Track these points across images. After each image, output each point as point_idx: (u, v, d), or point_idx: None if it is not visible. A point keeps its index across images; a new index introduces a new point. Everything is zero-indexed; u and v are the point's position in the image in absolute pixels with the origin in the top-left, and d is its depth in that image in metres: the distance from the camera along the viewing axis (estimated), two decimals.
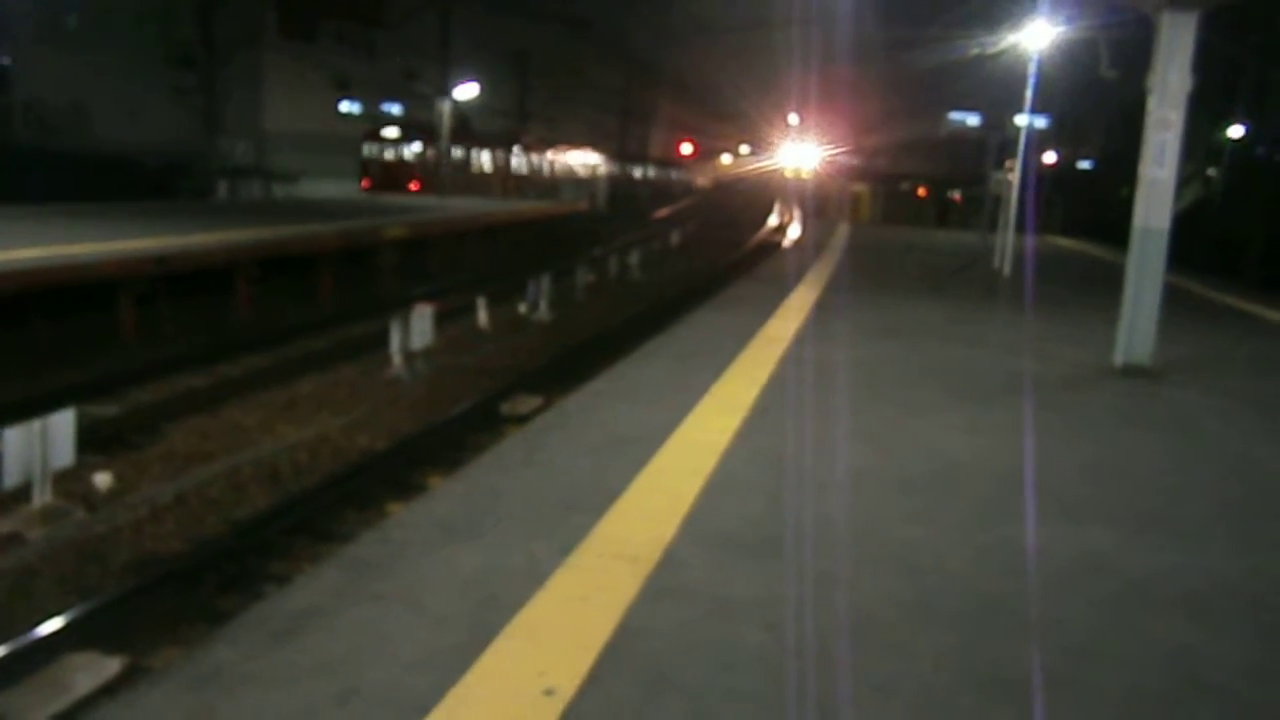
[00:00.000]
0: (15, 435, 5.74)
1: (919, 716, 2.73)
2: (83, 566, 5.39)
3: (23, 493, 5.87)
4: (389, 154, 29.17)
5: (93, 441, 7.04)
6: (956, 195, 39.19)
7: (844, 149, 39.95)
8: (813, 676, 2.87)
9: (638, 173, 51.28)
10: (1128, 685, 2.96)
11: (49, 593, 5.08)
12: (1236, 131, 27.09)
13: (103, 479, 6.53)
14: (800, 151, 37.69)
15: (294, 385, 9.55)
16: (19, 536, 5.66)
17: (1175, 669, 3.08)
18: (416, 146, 29.12)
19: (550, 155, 37.00)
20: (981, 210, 21.49)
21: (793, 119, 38.48)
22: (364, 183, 28.63)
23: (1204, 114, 20.84)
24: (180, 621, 4.84)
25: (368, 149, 28.97)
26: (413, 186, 28.54)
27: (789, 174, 39.38)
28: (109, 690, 4.03)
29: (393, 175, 28.55)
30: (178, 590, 5.06)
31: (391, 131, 29.05)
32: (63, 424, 5.99)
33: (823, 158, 39.25)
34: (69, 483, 6.29)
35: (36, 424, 5.82)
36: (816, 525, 4.05)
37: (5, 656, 4.22)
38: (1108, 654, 3.14)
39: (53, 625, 4.49)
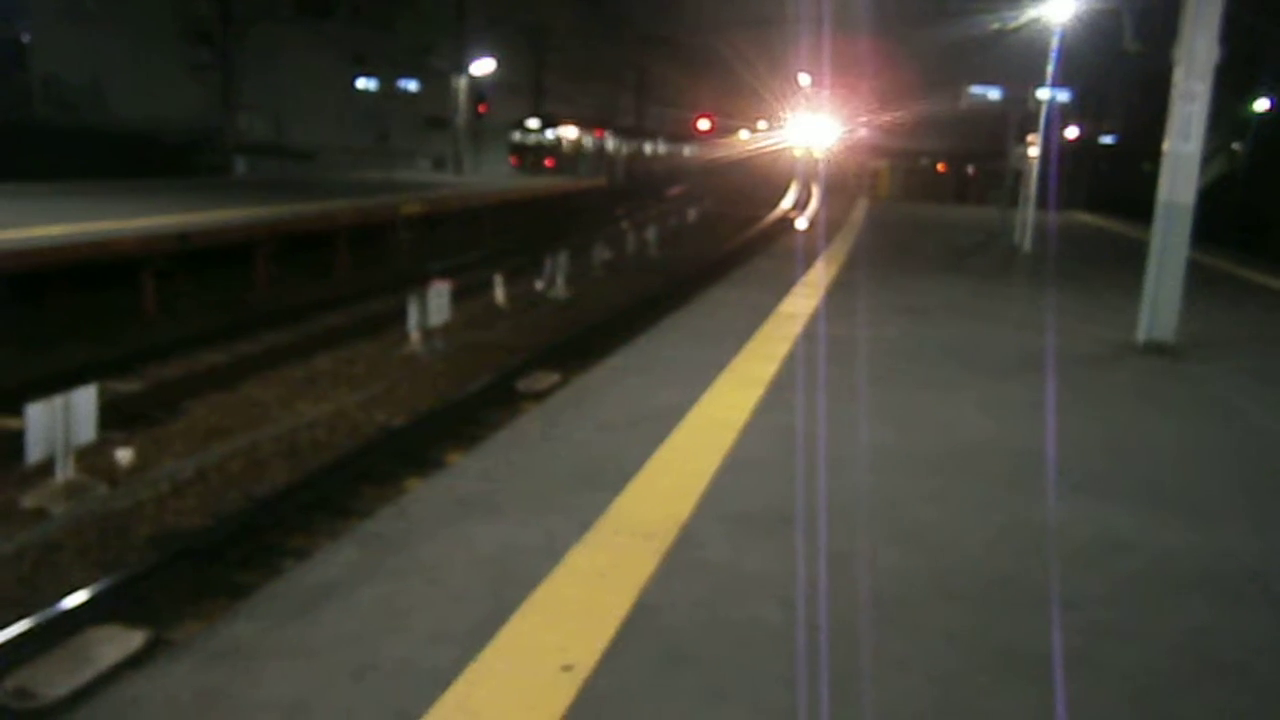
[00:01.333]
0: (39, 411, 5.79)
1: (935, 693, 2.73)
2: (105, 541, 5.45)
3: (46, 468, 5.93)
4: (531, 139, 36.98)
5: (114, 417, 7.10)
6: (971, 170, 38.95)
7: (862, 125, 39.57)
8: (828, 653, 2.87)
9: (654, 149, 51.33)
10: (1144, 663, 2.94)
11: (73, 567, 5.14)
12: (1262, 105, 26.66)
13: (124, 454, 6.59)
14: (816, 127, 37.15)
15: (313, 361, 9.60)
16: (43, 511, 5.73)
17: (1192, 648, 3.06)
18: (550, 134, 37.00)
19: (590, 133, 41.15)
20: (1002, 185, 21.26)
21: (804, 80, 37.76)
22: (513, 160, 36.49)
23: (1230, 87, 20.51)
24: (201, 596, 4.89)
25: (517, 136, 36.62)
26: (548, 163, 35.93)
27: (801, 153, 38.79)
28: (132, 663, 4.08)
29: (534, 155, 36.28)
30: (198, 565, 5.11)
31: (534, 123, 36.82)
32: (85, 400, 6.04)
33: (840, 134, 38.81)
34: (91, 458, 6.35)
35: (59, 400, 5.87)
36: (833, 503, 4.04)
37: (31, 629, 4.28)
38: (1125, 632, 3.12)
39: (77, 599, 4.54)
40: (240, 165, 26.97)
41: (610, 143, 43.63)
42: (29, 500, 5.80)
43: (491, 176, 29.54)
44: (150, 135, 25.02)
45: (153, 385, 8.51)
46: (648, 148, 50.19)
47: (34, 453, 5.79)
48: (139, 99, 26.94)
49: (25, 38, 29.21)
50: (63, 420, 5.89)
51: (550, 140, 37.05)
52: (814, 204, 31.01)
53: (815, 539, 3.67)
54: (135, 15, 27.45)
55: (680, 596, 3.17)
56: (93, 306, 10.58)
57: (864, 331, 7.94)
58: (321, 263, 14.76)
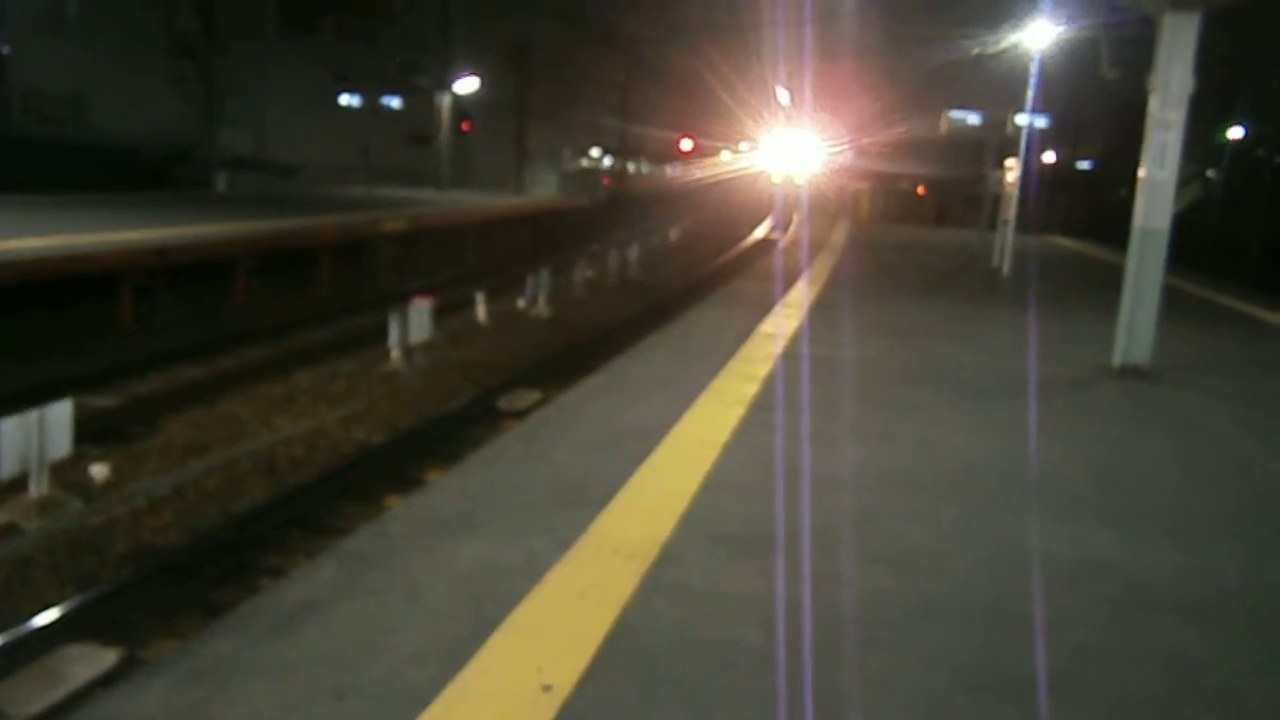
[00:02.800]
0: (12, 426, 5.73)
1: (916, 714, 2.73)
2: (79, 558, 5.39)
3: (20, 483, 5.85)
4: (591, 164, 47.85)
5: (90, 432, 7.03)
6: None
7: (844, 148, 39.81)
8: (809, 674, 2.87)
9: (636, 168, 52.60)
10: (1127, 685, 2.96)
11: (46, 583, 5.08)
12: (1236, 133, 27.09)
13: (100, 470, 6.52)
14: (797, 151, 36.85)
15: (292, 378, 9.54)
16: (16, 527, 5.66)
17: (1175, 669, 3.08)
18: (607, 161, 47.98)
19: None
20: (981, 209, 21.50)
21: (783, 96, 37.37)
22: None
23: (1204, 115, 20.85)
24: (177, 614, 4.84)
25: (585, 162, 47.52)
26: (605, 182, 45.90)
27: (780, 179, 38.12)
28: (106, 682, 4.03)
29: (593, 176, 46.49)
30: (174, 582, 5.06)
31: (595, 151, 47.90)
32: (60, 414, 5.98)
33: (822, 159, 38.79)
34: (66, 474, 6.28)
35: (34, 414, 5.81)
36: (815, 523, 4.05)
37: (1, 647, 4.22)
38: (1108, 654, 3.14)
39: (49, 616, 4.48)
40: (222, 180, 26.84)
41: (593, 162, 44.86)
42: (2, 516, 5.73)
43: (476, 194, 29.54)
44: (131, 149, 24.89)
45: (129, 400, 8.44)
46: (630, 167, 51.11)
47: (7, 468, 5.73)
48: (121, 112, 26.82)
49: (4, 50, 29.04)
50: (37, 435, 5.83)
51: (607, 165, 48.21)
52: (795, 226, 31.20)
53: (796, 559, 3.67)
54: (117, 28, 27.37)
55: (661, 617, 3.17)
56: (69, 320, 10.48)
57: (845, 353, 7.98)
58: (302, 279, 14.70)
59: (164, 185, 24.39)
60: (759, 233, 31.88)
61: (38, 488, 5.88)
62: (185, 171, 26.24)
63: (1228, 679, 3.05)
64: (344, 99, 36.24)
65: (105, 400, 8.34)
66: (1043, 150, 30.57)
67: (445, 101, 30.95)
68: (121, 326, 11.01)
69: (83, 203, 16.79)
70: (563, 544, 3.66)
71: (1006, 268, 15.54)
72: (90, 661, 4.20)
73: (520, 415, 7.85)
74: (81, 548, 5.49)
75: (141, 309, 11.32)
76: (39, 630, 4.39)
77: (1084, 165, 38.05)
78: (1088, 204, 32.86)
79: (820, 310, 10.23)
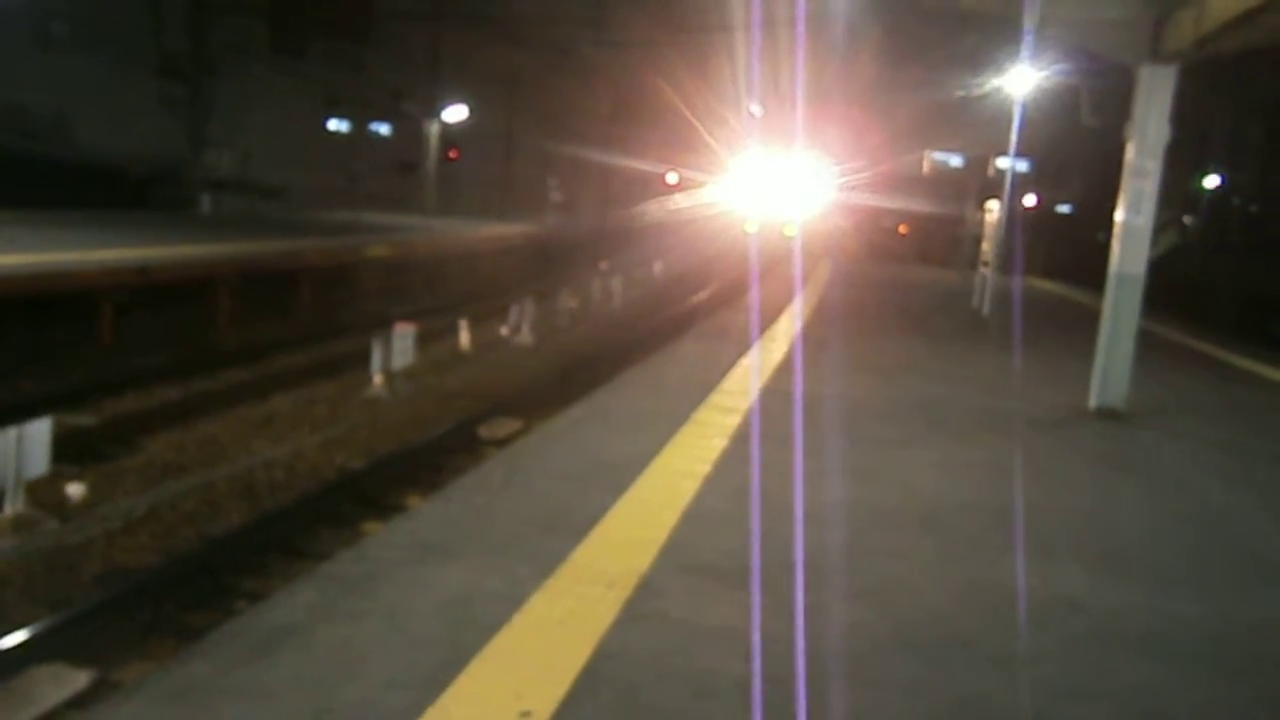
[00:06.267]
0: None
1: None
2: (53, 577, 5.34)
3: None
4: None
5: (68, 451, 6.97)
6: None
7: (830, 186, 40.08)
8: (786, 705, 2.89)
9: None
10: (1095, 718, 3.00)
11: (18, 603, 5.02)
12: (1212, 181, 27.61)
13: (76, 489, 6.47)
14: (780, 189, 35.98)
15: (272, 401, 9.51)
16: None
17: (1141, 706, 3.12)
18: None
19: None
20: (962, 250, 21.77)
21: (756, 110, 35.67)
22: None
23: (1181, 163, 21.23)
24: (150, 636, 4.80)
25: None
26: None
27: (754, 228, 35.84)
28: (78, 704, 3.99)
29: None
30: (148, 604, 5.02)
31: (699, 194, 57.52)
32: (38, 433, 5.94)
33: (812, 199, 38.48)
34: (42, 492, 6.23)
35: (12, 432, 5.77)
36: (793, 557, 4.08)
37: None
38: (1077, 689, 3.18)
39: (20, 636, 4.44)
40: (206, 201, 26.78)
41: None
42: None
43: (462, 222, 29.58)
44: (116, 168, 24.83)
45: (108, 420, 8.38)
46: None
47: None
48: (106, 131, 26.76)
49: None
50: (14, 453, 5.79)
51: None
52: (779, 264, 31.40)
53: (774, 592, 3.70)
54: (105, 47, 27.39)
55: (639, 646, 3.18)
56: (49, 338, 10.42)
57: (826, 388, 8.04)
58: (285, 302, 14.67)
59: (147, 205, 24.34)
60: (742, 268, 32.00)
61: (14, 505, 5.82)
62: (169, 192, 26.19)
63: (1193, 715, 3.09)
64: (332, 124, 36.30)
65: (84, 419, 8.28)
66: (1023, 193, 30.99)
67: (433, 129, 31.11)
68: (101, 345, 10.95)
69: (65, 221, 16.72)
70: (543, 572, 3.67)
71: (986, 308, 15.71)
72: (61, 682, 4.15)
73: (502, 444, 7.85)
74: (55, 567, 5.44)
75: (122, 328, 11.26)
76: (8, 651, 4.34)
77: (1064, 209, 38.59)
78: (1067, 247, 33.30)
79: (802, 346, 10.30)
